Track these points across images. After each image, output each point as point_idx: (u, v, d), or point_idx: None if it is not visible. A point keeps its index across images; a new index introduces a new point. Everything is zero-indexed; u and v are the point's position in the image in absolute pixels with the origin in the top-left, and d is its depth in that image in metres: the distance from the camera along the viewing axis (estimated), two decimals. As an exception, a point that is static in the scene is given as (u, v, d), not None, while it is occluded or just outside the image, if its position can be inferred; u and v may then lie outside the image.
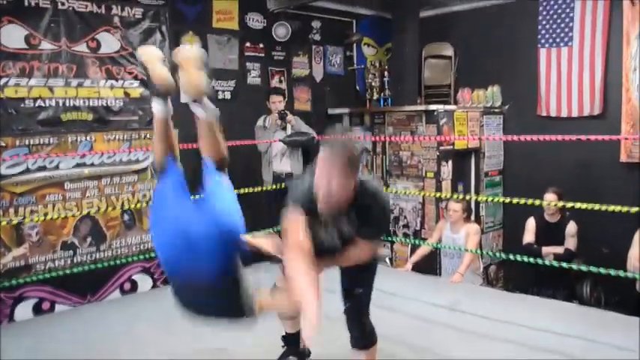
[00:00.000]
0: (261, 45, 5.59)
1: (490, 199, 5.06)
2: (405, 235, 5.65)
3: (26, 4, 4.00)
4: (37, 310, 4.11)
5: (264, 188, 4.98)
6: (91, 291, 4.37)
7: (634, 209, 3.55)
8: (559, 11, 5.45)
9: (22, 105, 4.03)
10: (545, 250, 4.74)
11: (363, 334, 2.59)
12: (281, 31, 5.74)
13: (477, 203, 5.77)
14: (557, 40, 5.49)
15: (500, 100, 5.96)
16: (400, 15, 5.92)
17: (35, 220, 4.03)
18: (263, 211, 4.68)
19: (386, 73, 6.27)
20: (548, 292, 4.56)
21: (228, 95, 5.30)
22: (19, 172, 4.02)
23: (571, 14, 5.38)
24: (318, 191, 2.12)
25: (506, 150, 6.07)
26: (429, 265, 5.15)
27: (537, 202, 4.23)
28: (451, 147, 5.56)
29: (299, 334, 2.74)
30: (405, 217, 5.71)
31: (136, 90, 4.57)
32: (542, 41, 5.59)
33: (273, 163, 5.10)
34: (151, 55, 2.23)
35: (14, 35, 3.97)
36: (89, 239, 4.38)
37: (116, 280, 4.53)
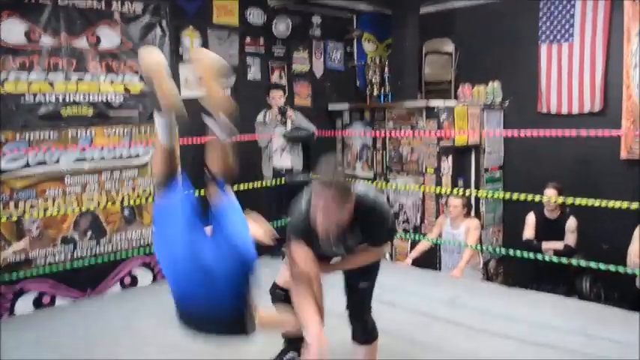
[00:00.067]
0: (262, 40, 5.58)
1: (490, 194, 5.06)
2: (405, 231, 5.65)
3: (26, -1, 4.00)
4: (38, 304, 4.12)
5: (265, 183, 5.00)
6: (91, 285, 4.38)
7: (634, 205, 3.56)
8: (560, 7, 5.44)
9: (23, 100, 4.03)
10: (545, 245, 4.74)
11: (365, 330, 2.63)
12: (281, 27, 5.73)
13: (477, 199, 5.77)
14: (558, 36, 5.48)
15: (500, 96, 5.95)
16: (401, 11, 5.90)
17: (35, 216, 4.04)
18: (263, 206, 4.68)
19: (386, 68, 6.24)
20: (547, 288, 4.54)
21: (228, 91, 5.29)
22: (20, 167, 4.02)
23: (572, 10, 5.37)
24: (316, 227, 2.16)
25: (506, 146, 6.06)
26: (429, 260, 5.16)
27: (537, 197, 4.24)
28: (451, 143, 5.56)
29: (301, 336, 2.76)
30: (405, 213, 5.71)
31: (136, 85, 4.56)
32: (543, 37, 5.57)
33: (274, 158, 5.11)
34: (156, 66, 1.88)
35: (14, 30, 3.96)
36: (89, 233, 4.38)
37: (116, 275, 4.53)
